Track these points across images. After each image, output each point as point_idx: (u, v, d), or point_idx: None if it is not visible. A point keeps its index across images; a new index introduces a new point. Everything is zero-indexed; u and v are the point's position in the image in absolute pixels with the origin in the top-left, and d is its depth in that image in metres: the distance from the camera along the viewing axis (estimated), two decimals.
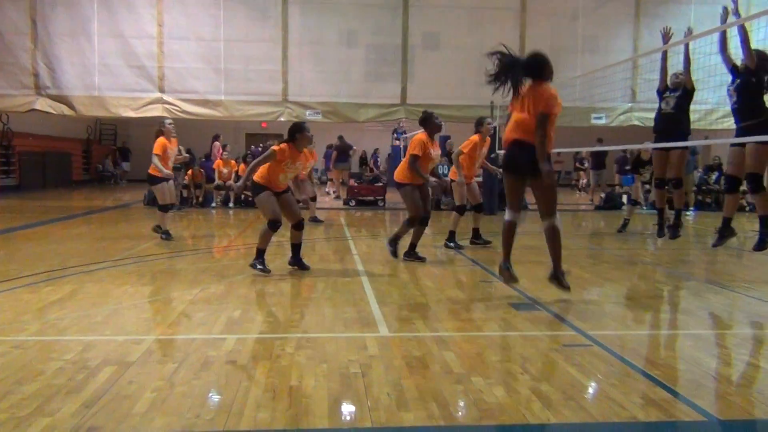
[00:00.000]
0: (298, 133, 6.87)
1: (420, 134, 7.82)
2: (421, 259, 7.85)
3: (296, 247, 7.16)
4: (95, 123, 27.08)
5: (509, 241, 5.78)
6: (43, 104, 17.08)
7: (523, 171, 5.52)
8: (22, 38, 16.92)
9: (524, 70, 5.62)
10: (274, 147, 6.77)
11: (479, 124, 9.22)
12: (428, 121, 7.79)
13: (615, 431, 3.07)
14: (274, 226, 6.75)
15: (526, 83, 5.66)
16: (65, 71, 17.09)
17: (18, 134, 20.63)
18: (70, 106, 17.15)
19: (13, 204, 15.88)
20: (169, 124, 9.55)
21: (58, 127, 22.73)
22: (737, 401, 3.41)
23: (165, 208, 9.54)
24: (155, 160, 9.24)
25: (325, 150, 20.64)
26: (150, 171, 9.39)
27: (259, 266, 6.75)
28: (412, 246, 7.94)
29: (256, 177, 6.83)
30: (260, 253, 6.83)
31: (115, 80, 17.27)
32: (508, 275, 5.78)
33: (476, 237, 9.31)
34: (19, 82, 17.04)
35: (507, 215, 5.80)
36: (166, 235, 9.44)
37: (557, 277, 5.66)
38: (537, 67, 5.65)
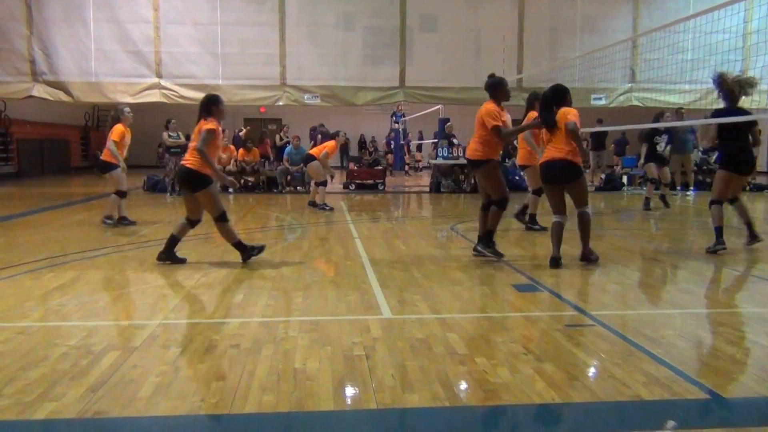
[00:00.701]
0: (214, 105, 6.36)
1: (489, 104, 6.67)
2: (499, 255, 6.76)
3: (175, 240, 6.58)
4: (93, 109, 26.99)
5: (558, 238, 6.43)
6: (40, 91, 17.03)
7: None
8: (18, 24, 16.83)
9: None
10: (210, 126, 6.21)
11: (536, 99, 8.21)
12: (499, 87, 6.71)
13: (619, 410, 3.08)
14: (226, 217, 6.44)
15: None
16: (61, 57, 17.02)
17: (16, 121, 20.57)
18: (67, 93, 17.10)
19: (12, 191, 15.86)
20: (128, 113, 9.46)
21: (56, 114, 22.66)
22: (741, 379, 3.42)
23: (123, 194, 9.37)
24: (112, 146, 9.11)
25: (309, 133, 20.66)
26: (103, 157, 9.27)
27: (254, 254, 6.53)
28: (490, 234, 6.80)
29: (196, 166, 6.19)
30: (241, 245, 6.53)
31: (112, 66, 17.20)
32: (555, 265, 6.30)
33: (533, 222, 8.90)
34: (16, 69, 16.98)
35: (554, 217, 6.47)
36: (128, 221, 9.37)
37: (587, 257, 6.53)
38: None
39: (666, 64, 13.01)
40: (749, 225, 7.36)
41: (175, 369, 3.52)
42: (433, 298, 5.16)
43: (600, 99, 18.43)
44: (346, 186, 16.80)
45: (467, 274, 6.20)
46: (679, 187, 15.28)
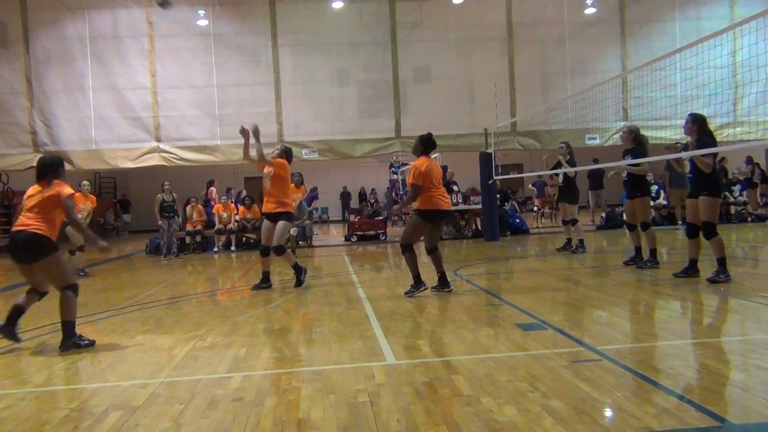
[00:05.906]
0: (61, 167, 5.84)
1: None
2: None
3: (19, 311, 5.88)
4: (95, 177, 27.26)
5: None
6: None
7: None
8: (19, 97, 17.20)
9: None
10: (69, 191, 5.64)
11: (426, 143, 8.46)
12: None
13: None
14: (78, 288, 5.73)
15: None
16: (62, 127, 17.33)
17: (19, 193, 20.72)
18: (69, 161, 17.30)
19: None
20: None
21: None
22: (751, 405, 3.36)
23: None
24: None
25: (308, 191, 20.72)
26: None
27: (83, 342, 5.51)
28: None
29: (44, 231, 5.56)
30: (70, 327, 5.51)
31: (112, 132, 17.48)
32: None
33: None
34: (17, 141, 17.28)
35: None
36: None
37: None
38: None
39: (657, 99, 13.18)
40: None
41: (178, 426, 3.48)
42: (437, 341, 5.12)
43: (594, 138, 18.60)
44: (347, 238, 16.81)
45: (471, 317, 6.15)
46: (680, 222, 15.27)
